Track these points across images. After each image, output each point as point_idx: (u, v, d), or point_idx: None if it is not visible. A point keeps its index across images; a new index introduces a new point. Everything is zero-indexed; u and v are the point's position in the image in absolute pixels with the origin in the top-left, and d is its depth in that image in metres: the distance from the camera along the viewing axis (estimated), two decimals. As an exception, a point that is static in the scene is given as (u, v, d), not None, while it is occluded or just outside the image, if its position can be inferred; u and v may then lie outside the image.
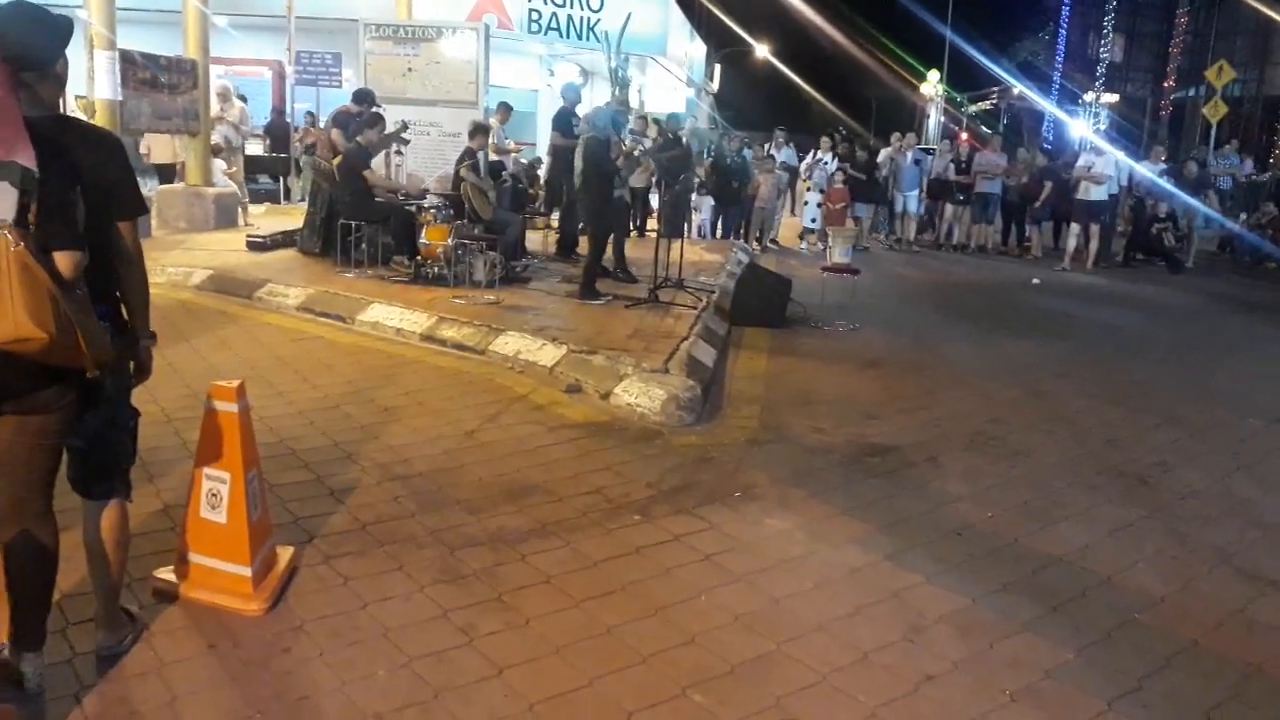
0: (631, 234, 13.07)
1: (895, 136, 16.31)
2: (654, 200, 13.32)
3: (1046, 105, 46.26)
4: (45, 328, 2.31)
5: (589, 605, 3.46)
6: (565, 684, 2.99)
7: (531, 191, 13.71)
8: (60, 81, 2.64)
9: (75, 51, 2.79)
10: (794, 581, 3.74)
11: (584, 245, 10.80)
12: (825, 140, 16.38)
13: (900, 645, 3.33)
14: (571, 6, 18.29)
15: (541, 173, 14.51)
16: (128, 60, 10.29)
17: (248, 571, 3.24)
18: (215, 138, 12.35)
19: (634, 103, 16.40)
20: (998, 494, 4.86)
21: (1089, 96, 44.69)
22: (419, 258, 8.87)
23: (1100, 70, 45.29)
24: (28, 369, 2.43)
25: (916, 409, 6.35)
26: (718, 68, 39.80)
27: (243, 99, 14.55)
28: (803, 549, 4.05)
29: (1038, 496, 4.86)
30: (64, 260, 2.41)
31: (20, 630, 2.66)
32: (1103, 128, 37.30)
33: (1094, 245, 14.29)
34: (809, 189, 15.50)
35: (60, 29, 2.61)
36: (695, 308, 8.29)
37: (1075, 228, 14.32)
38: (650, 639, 3.26)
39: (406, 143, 10.90)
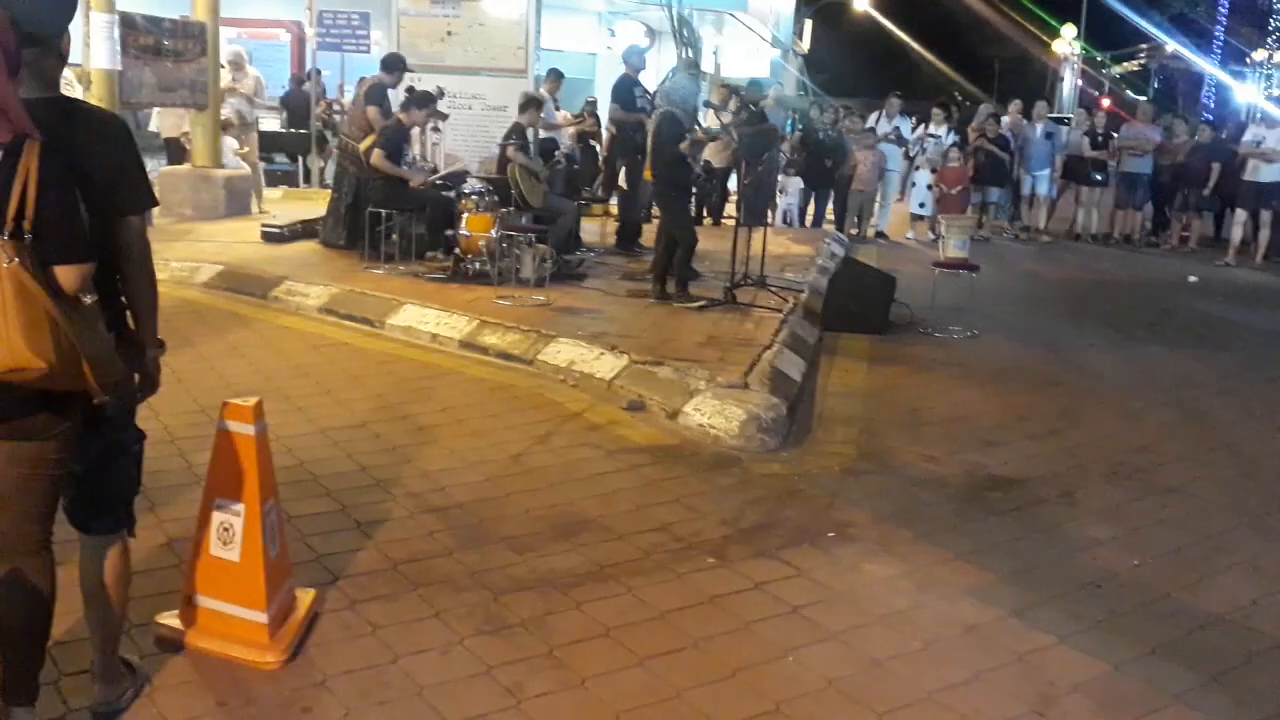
0: (705, 221, 13.11)
1: (1014, 105, 16.04)
2: (733, 182, 13.34)
3: (1207, 66, 45.26)
4: (44, 356, 2.38)
5: (654, 664, 3.48)
6: (627, 756, 3.02)
7: (597, 149, 13.62)
8: (63, 58, 2.74)
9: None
10: (899, 640, 3.72)
11: (648, 235, 10.87)
12: (938, 111, 16.19)
13: (1027, 719, 3.29)
14: (636, -47, 18.40)
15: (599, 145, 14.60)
16: (128, 24, 10.59)
17: (263, 617, 3.32)
18: (226, 112, 12.66)
19: (708, 67, 16.46)
20: (1146, 538, 4.78)
21: (1259, 55, 43.63)
22: (458, 252, 9.00)
23: (1273, 24, 44.20)
24: (24, 392, 2.51)
25: (1047, 434, 6.27)
26: (808, 24, 39.65)
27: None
28: (909, 601, 4.02)
29: (1195, 541, 4.77)
30: (68, 275, 2.49)
31: (10, 682, 2.76)
32: (1276, 93, 36.39)
33: (1264, 236, 13.95)
34: (917, 168, 15.33)
35: (66, 1, 2.71)
36: (780, 310, 8.28)
37: (1241, 215, 13.99)
38: (727, 706, 3.27)
39: (444, 117, 11.07)
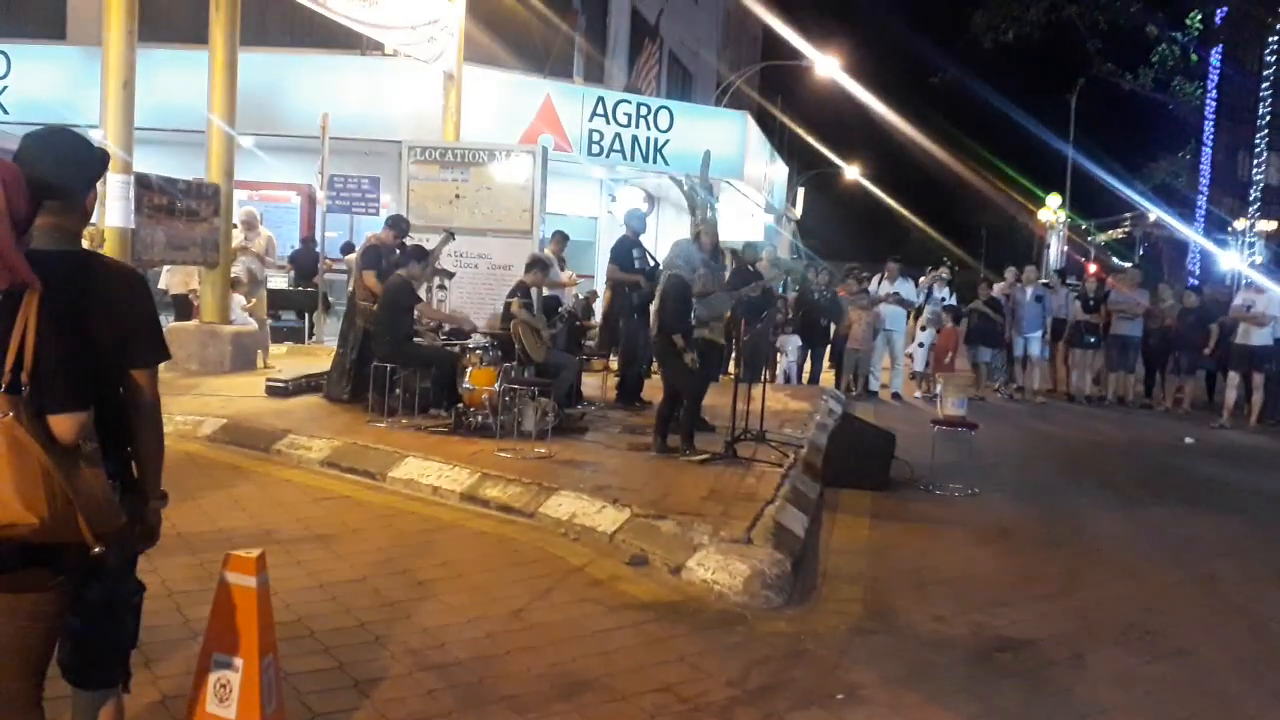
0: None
1: (1010, 270, 16.46)
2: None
3: (1190, 234, 46.31)
4: (36, 510, 2.36)
5: (662, 831, 3.33)
6: None
7: (581, 324, 13.90)
8: (87, 215, 2.79)
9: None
10: (913, 808, 3.57)
11: (647, 389, 10.90)
12: (945, 270, 16.54)
13: None
14: (636, 127, 19.01)
15: (597, 306, 14.82)
16: (143, 184, 10.81)
17: (257, 779, 3.19)
18: (236, 269, 12.85)
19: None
20: (1158, 702, 4.66)
21: (1240, 224, 44.66)
22: (461, 405, 9.01)
23: (1254, 194, 45.39)
24: (19, 544, 2.46)
25: (1055, 594, 6.17)
26: (800, 191, 40.81)
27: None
28: (922, 766, 3.88)
29: (1208, 706, 4.66)
30: (64, 424, 2.48)
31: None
32: (1259, 260, 37.14)
33: (1257, 398, 14.01)
34: (922, 327, 15.52)
35: (96, 161, 2.78)
36: (781, 465, 8.24)
37: (1234, 377, 14.09)
38: None
39: (451, 275, 11.24)
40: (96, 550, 2.53)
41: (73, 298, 2.56)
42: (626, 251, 11.30)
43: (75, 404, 2.52)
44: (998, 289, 16.05)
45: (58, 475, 2.39)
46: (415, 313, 9.50)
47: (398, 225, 10.66)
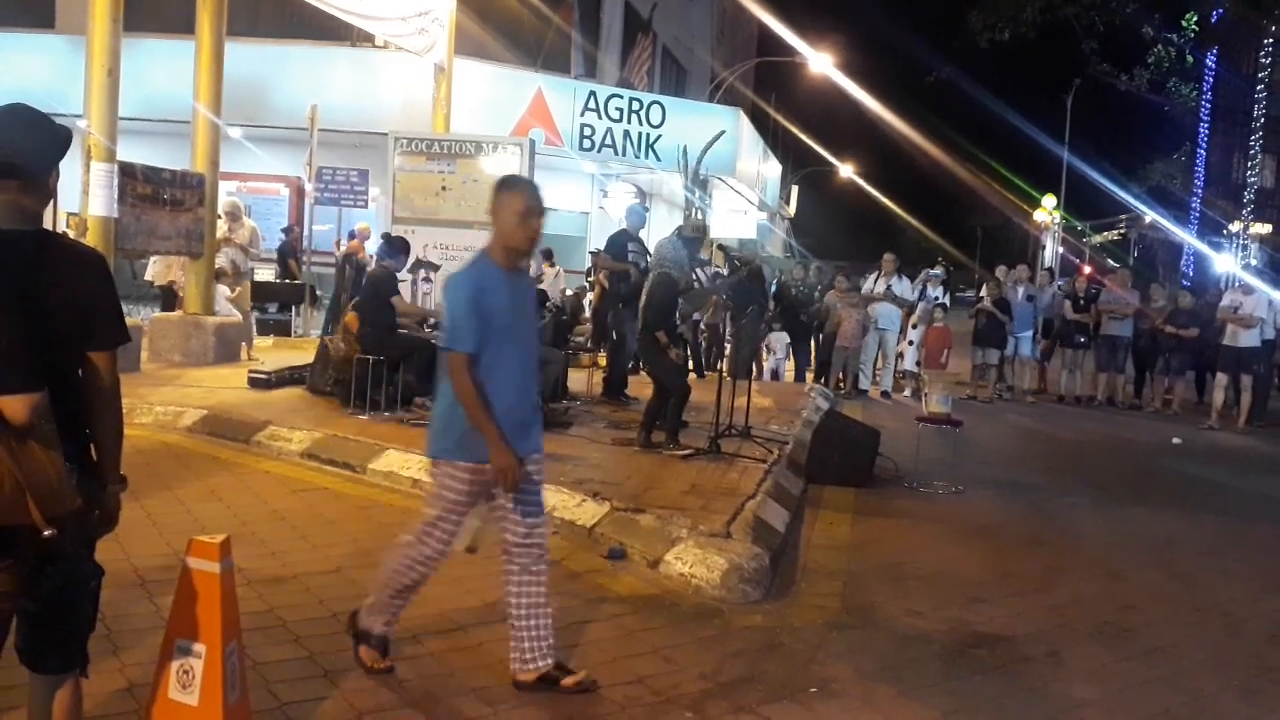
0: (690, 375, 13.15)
1: (1000, 269, 16.45)
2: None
3: (1185, 236, 46.47)
4: None
5: (626, 822, 3.33)
6: None
7: (569, 319, 13.90)
8: (48, 194, 2.78)
9: (71, 163, 2.94)
10: (880, 801, 3.58)
11: (633, 386, 10.91)
12: (939, 269, 16.50)
13: None
14: (629, 122, 19.01)
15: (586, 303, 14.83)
16: (127, 173, 10.75)
17: (218, 765, 3.18)
18: (221, 260, 12.82)
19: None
20: (1133, 699, 4.67)
21: (1235, 226, 44.79)
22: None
23: (1248, 196, 45.53)
24: None
25: (1033, 591, 6.18)
26: (794, 189, 40.86)
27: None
28: (891, 760, 3.89)
29: (1183, 703, 4.66)
30: (15, 405, 2.47)
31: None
32: (1253, 262, 37.24)
33: (1246, 399, 14.04)
34: (914, 325, 15.49)
35: (58, 139, 2.77)
36: (764, 461, 8.24)
37: (1222, 379, 14.10)
38: None
39: (436, 268, 11.23)
40: (48, 533, 2.52)
41: (28, 277, 2.56)
42: (621, 244, 11.32)
43: (28, 384, 2.51)
44: (985, 289, 16.02)
45: (6, 457, 2.38)
46: (397, 306, 9.47)
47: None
